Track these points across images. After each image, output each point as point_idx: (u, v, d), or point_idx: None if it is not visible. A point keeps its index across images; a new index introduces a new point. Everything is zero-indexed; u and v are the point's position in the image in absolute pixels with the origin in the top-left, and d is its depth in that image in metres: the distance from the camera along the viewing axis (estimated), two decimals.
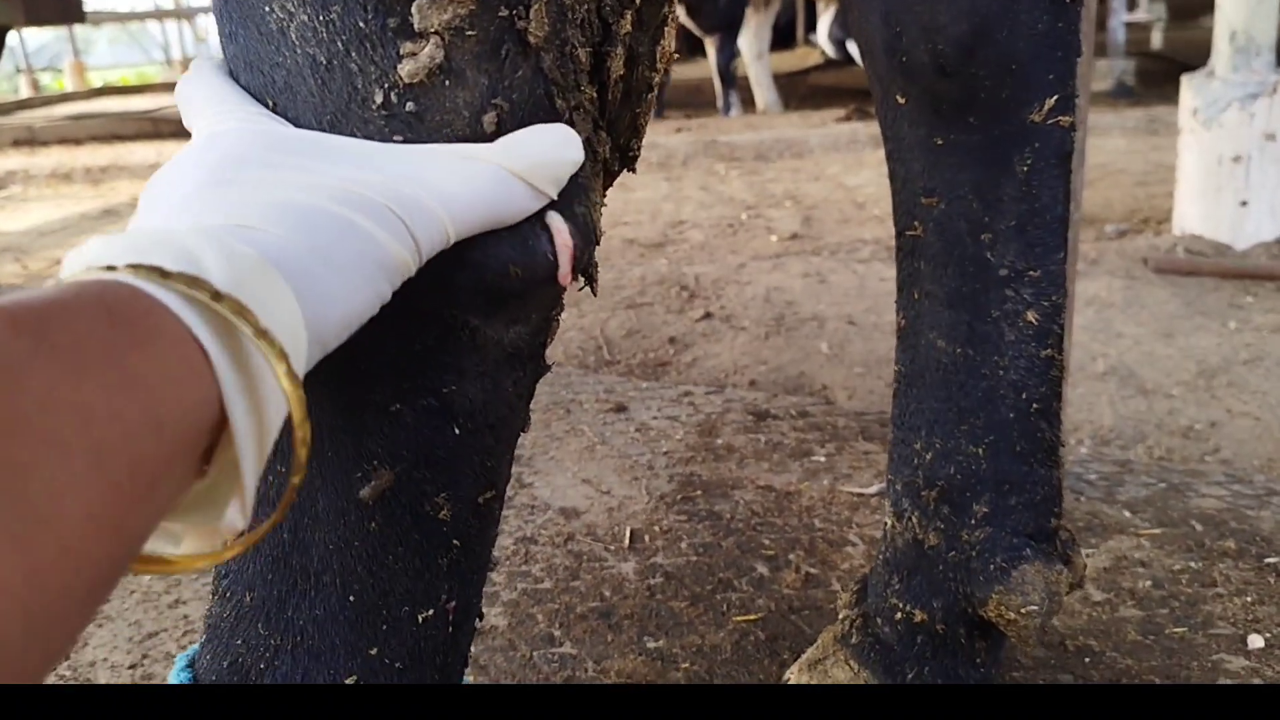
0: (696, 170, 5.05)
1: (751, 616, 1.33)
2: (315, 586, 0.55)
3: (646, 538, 1.52)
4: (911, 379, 1.01)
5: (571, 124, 0.53)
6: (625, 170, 0.63)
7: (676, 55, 0.62)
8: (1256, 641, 1.22)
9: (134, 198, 5.40)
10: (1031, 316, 0.93)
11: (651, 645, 1.28)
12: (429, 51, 0.48)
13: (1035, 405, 0.95)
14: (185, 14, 14.23)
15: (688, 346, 2.55)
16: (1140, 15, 6.31)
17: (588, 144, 0.55)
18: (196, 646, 0.60)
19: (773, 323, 2.65)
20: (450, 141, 0.49)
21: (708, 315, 2.73)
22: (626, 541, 1.51)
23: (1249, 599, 1.31)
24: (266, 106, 0.51)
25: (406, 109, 0.48)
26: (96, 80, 13.91)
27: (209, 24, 14.65)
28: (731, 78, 6.83)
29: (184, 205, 0.41)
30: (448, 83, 0.49)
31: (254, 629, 0.56)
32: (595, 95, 0.55)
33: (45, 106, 10.22)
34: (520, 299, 0.53)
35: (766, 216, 3.90)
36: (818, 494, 1.62)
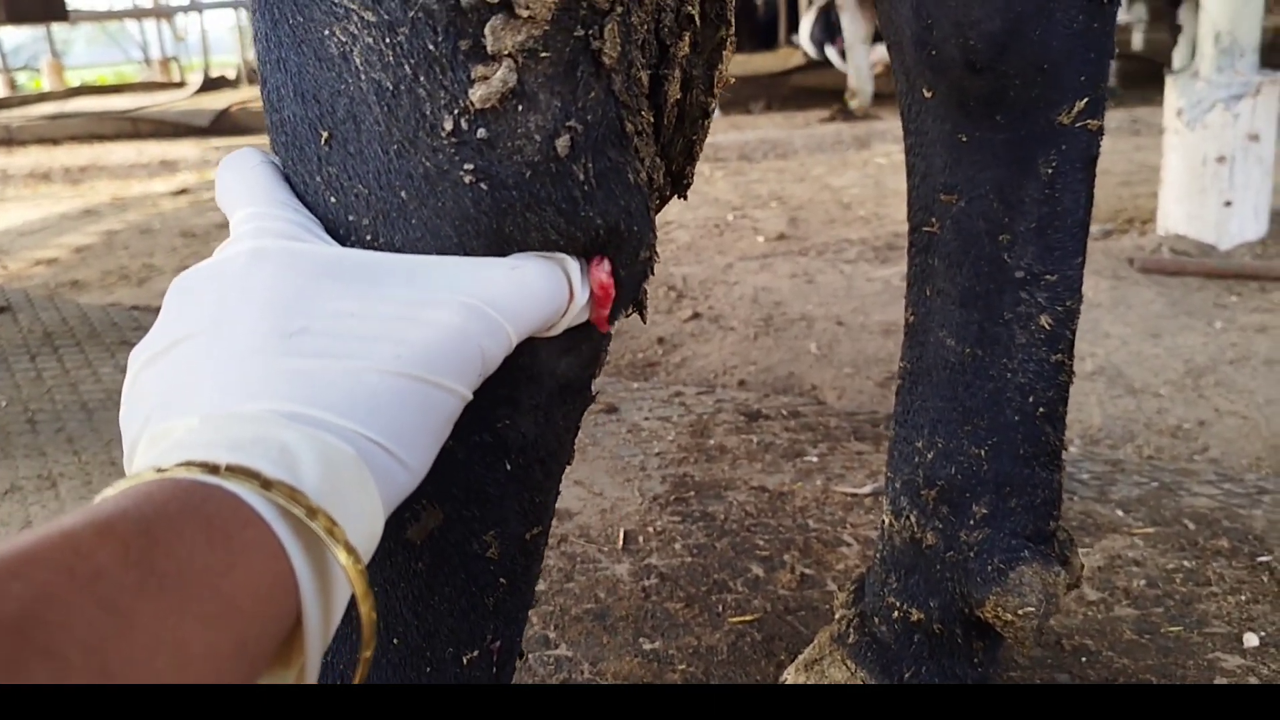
0: None
1: (747, 617, 1.32)
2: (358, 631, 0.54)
3: (640, 539, 1.51)
4: (917, 376, 1.01)
5: (636, 150, 0.52)
6: (677, 196, 0.62)
7: (731, 78, 0.61)
8: (1251, 640, 1.23)
9: (114, 197, 5.36)
10: (1045, 320, 0.92)
11: (648, 647, 1.27)
12: (502, 75, 0.46)
13: (1042, 409, 0.95)
14: (164, 13, 14.12)
15: (676, 347, 2.55)
16: (1121, 16, 6.35)
17: (649, 171, 0.53)
18: None
19: (761, 323, 2.65)
20: (519, 166, 0.47)
21: (696, 315, 2.72)
22: (620, 543, 1.50)
23: (1243, 597, 1.31)
24: (321, 138, 0.48)
25: (478, 135, 0.46)
26: (74, 79, 13.80)
27: (188, 23, 14.56)
28: None
29: (249, 375, 0.40)
30: (520, 106, 0.46)
31: None
32: (652, 119, 0.54)
33: (23, 106, 10.14)
34: (577, 329, 0.52)
35: (753, 217, 3.90)
36: (811, 494, 1.62)
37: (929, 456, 0.99)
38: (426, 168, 0.46)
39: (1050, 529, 0.97)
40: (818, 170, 4.83)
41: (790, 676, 1.11)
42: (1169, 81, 3.09)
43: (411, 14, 0.45)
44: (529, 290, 0.46)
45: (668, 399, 2.01)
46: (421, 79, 0.46)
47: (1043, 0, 0.81)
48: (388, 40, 0.46)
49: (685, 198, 0.61)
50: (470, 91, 0.46)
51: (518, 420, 0.53)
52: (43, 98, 11.10)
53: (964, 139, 0.90)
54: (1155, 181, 3.31)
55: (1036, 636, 0.92)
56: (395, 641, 0.54)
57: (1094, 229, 3.37)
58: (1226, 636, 1.24)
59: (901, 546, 1.03)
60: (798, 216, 3.88)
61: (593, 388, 0.59)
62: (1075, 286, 0.93)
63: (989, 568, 0.95)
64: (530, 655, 1.26)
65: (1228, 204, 3.01)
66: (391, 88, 0.46)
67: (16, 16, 6.81)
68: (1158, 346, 2.41)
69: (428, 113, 0.46)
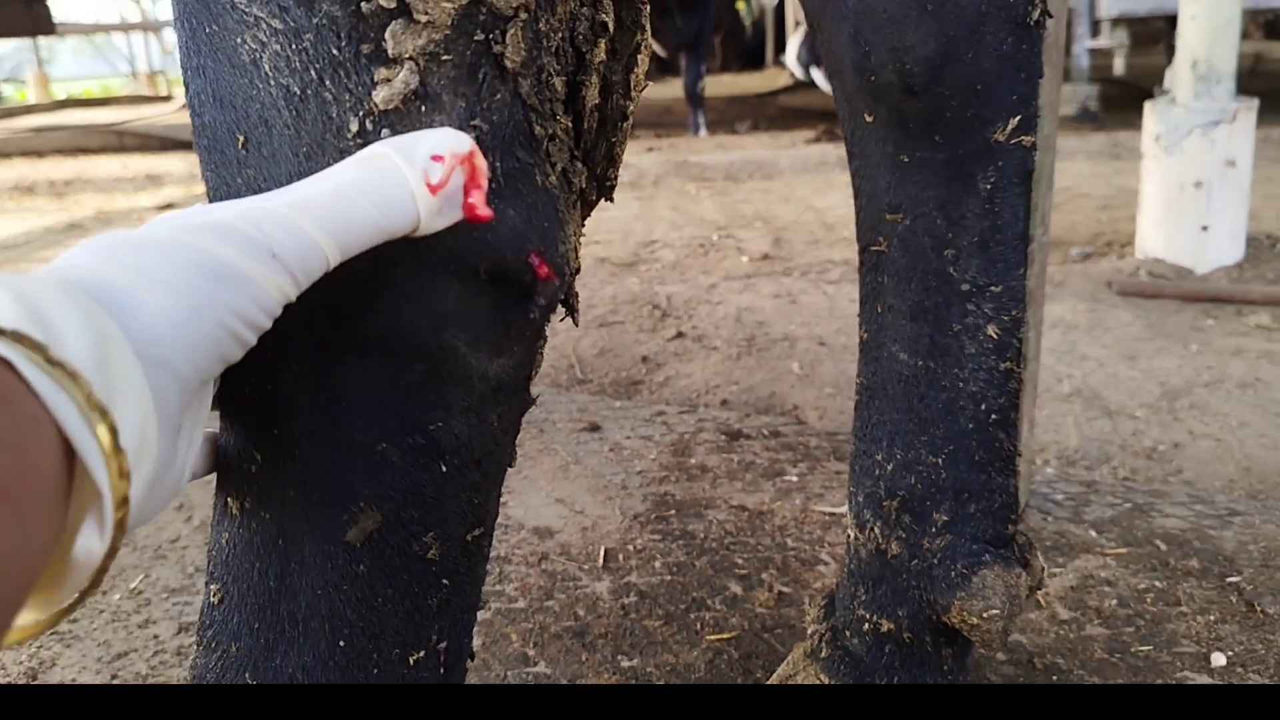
0: (667, 190, 5.07)
1: (725, 635, 1.34)
2: (304, 633, 0.54)
3: (620, 557, 1.53)
4: (873, 391, 1.03)
5: (548, 153, 0.53)
6: (603, 200, 0.64)
7: (646, 83, 0.63)
8: (1219, 659, 1.25)
9: (99, 211, 5.36)
10: (992, 330, 0.96)
11: (626, 664, 1.28)
12: (404, 77, 0.47)
13: (994, 416, 0.97)
14: (151, 26, 14.13)
15: (660, 366, 2.57)
16: (1103, 42, 6.42)
17: (563, 175, 0.55)
18: None
19: (744, 343, 2.67)
20: None
21: (680, 335, 2.74)
22: (600, 561, 1.52)
23: (1212, 617, 1.33)
24: (238, 142, 0.50)
25: (381, 135, 0.48)
26: (60, 92, 13.78)
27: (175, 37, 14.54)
28: (699, 98, 6.88)
29: (48, 268, 0.40)
30: (424, 108, 0.48)
31: (241, 679, 0.55)
32: (570, 125, 0.56)
33: (7, 118, 10.12)
34: (504, 332, 0.53)
35: (737, 237, 3.93)
36: (790, 513, 1.63)
37: (889, 468, 1.01)
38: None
39: (1010, 533, 0.99)
40: (803, 191, 4.86)
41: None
42: (1147, 107, 3.14)
43: (316, 20, 0.47)
44: (347, 198, 0.44)
45: (650, 418, 2.03)
46: (327, 83, 0.48)
47: (973, 24, 0.84)
48: (294, 46, 0.48)
49: (611, 200, 0.63)
50: (374, 94, 0.48)
51: (450, 422, 0.53)
52: (28, 110, 11.07)
53: (905, 159, 0.93)
54: (1134, 206, 3.35)
55: (1006, 650, 0.94)
56: (341, 644, 0.54)
57: (1073, 251, 3.41)
58: (1195, 656, 1.26)
59: (867, 558, 1.04)
60: (782, 237, 3.91)
61: (531, 390, 0.60)
62: (1019, 296, 0.95)
63: (953, 573, 0.97)
64: (508, 673, 1.28)
65: (1205, 228, 3.05)
66: (299, 92, 0.48)
67: (3, 30, 6.79)
68: (1134, 369, 2.44)
69: (334, 115, 0.48)
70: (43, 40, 13.10)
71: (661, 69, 10.61)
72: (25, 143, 7.88)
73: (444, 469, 0.54)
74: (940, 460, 0.99)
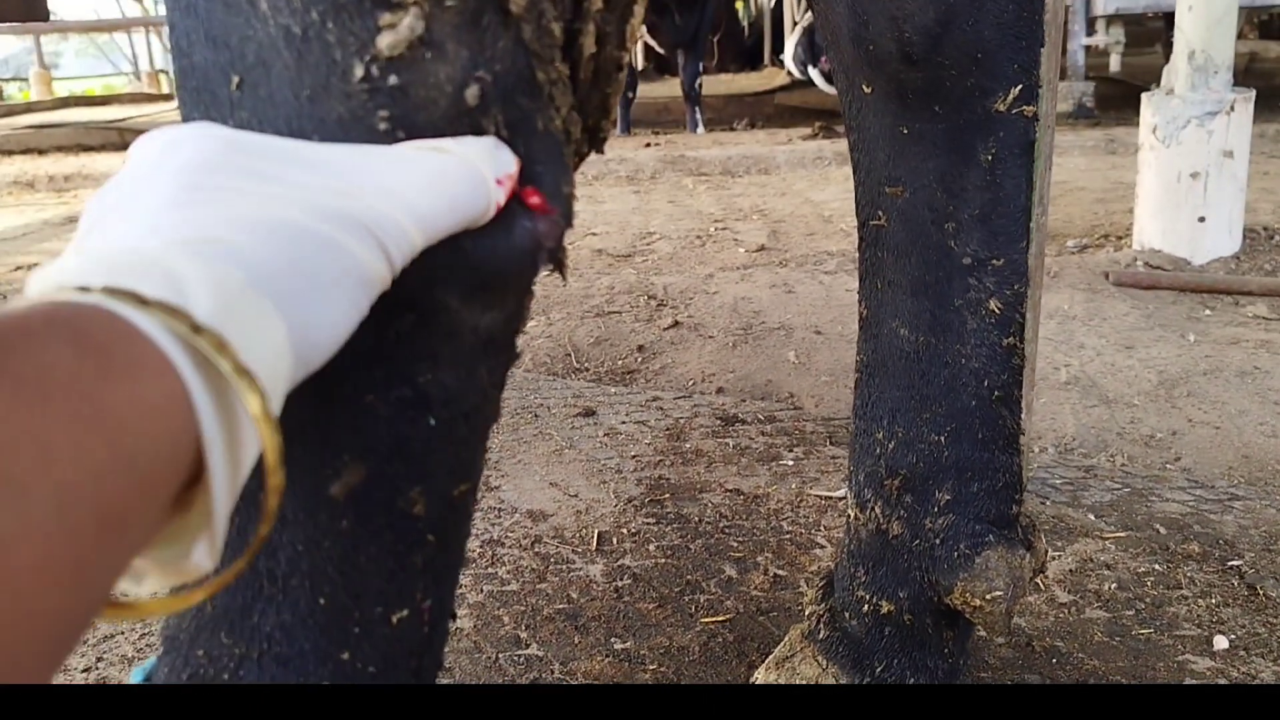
0: (665, 184, 5.06)
1: (719, 618, 1.32)
2: (283, 590, 0.53)
3: (614, 540, 1.51)
4: (874, 368, 1.01)
5: (551, 99, 0.52)
6: (594, 152, 0.63)
7: (640, 36, 0.61)
8: (1221, 643, 1.23)
9: None
10: (994, 305, 0.94)
11: (619, 647, 1.27)
12: (409, 23, 0.46)
13: (997, 393, 0.95)
14: (155, 24, 14.09)
15: (656, 354, 2.55)
16: (1099, 40, 6.41)
17: (565, 122, 0.54)
18: (153, 660, 0.58)
19: (740, 332, 2.65)
20: (432, 116, 0.47)
21: (676, 324, 2.73)
22: (594, 544, 1.50)
23: (1213, 601, 1.32)
24: (232, 83, 0.48)
25: (389, 82, 0.47)
26: (62, 91, 13.74)
27: None
28: (697, 96, 6.86)
29: (152, 221, 0.38)
30: (429, 55, 0.47)
31: (216, 638, 0.54)
32: (568, 74, 0.55)
33: (9, 116, 10.08)
34: (502, 281, 0.52)
35: (734, 229, 3.91)
36: (785, 497, 1.62)
37: (890, 446, 0.99)
38: (340, 114, 0.47)
39: (1013, 513, 0.98)
40: (799, 185, 4.85)
41: (761, 675, 1.10)
42: (1145, 99, 3.13)
43: None
44: (444, 193, 0.45)
45: (645, 404, 2.01)
46: (329, 25, 0.46)
47: None
48: None
49: (601, 151, 0.62)
50: (378, 39, 0.46)
51: (439, 375, 0.52)
52: (29, 108, 11.03)
53: (905, 131, 0.91)
54: (1130, 199, 3.34)
55: (1005, 622, 0.92)
56: (322, 602, 0.53)
57: (1069, 243, 3.40)
58: (1197, 639, 1.25)
59: (868, 539, 1.03)
60: (778, 229, 3.89)
61: (518, 344, 0.59)
62: (1022, 270, 0.94)
63: (955, 554, 0.96)
64: (500, 655, 1.26)
65: (1201, 219, 3.04)
66: (300, 33, 0.47)
67: None
68: (1131, 358, 2.42)
69: (338, 59, 0.47)
70: (47, 42, 13.06)
71: (660, 68, 10.59)
72: (26, 140, 7.84)
73: (431, 422, 0.53)
74: (942, 438, 0.97)
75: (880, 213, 0.97)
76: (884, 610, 1.01)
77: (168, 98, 12.17)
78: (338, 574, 0.53)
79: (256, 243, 0.38)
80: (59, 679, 1.25)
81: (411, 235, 0.43)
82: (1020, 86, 0.87)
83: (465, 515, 0.59)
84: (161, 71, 14.36)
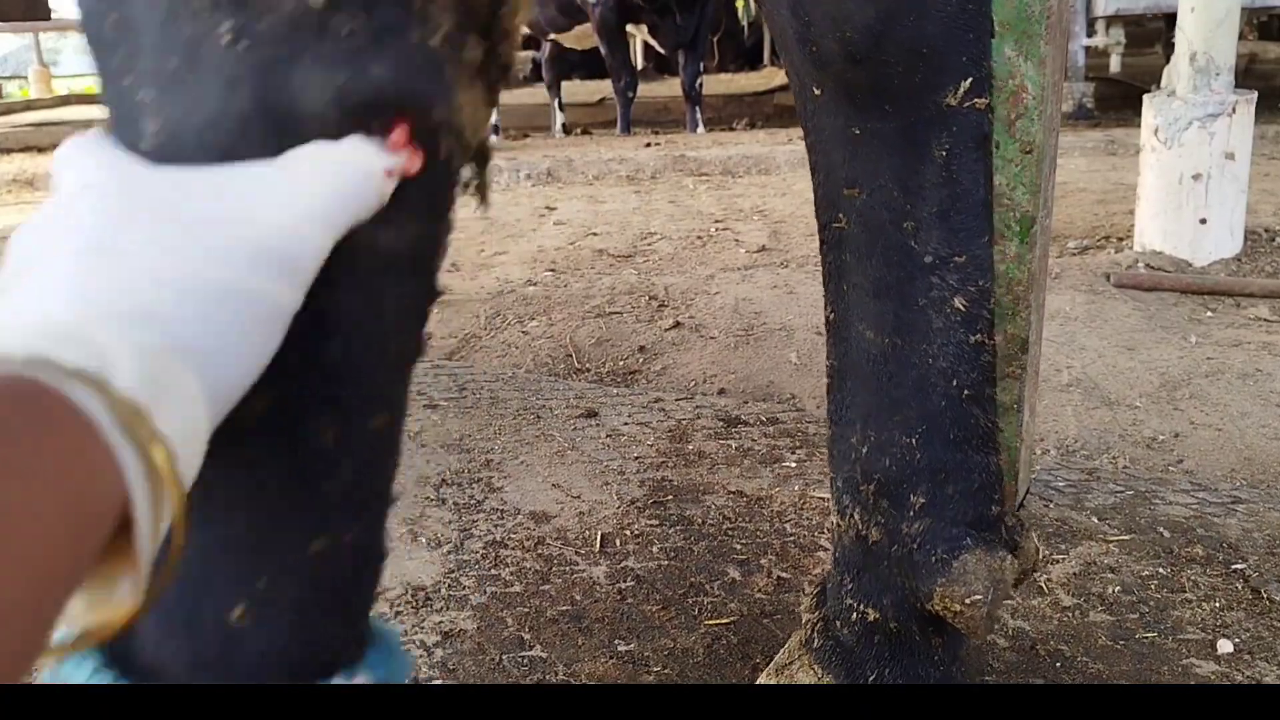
0: (665, 184, 5.06)
1: (723, 620, 1.32)
2: (202, 516, 0.51)
3: (618, 541, 1.51)
4: (844, 372, 1.00)
5: (424, 12, 0.50)
6: (502, 77, 0.60)
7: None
8: (1225, 646, 1.23)
9: None
10: (959, 302, 0.92)
11: (623, 648, 1.27)
12: None
13: (967, 392, 0.94)
14: None
15: (657, 355, 2.55)
16: (1099, 40, 6.42)
17: (449, 39, 0.51)
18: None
19: (741, 332, 2.65)
20: (277, 21, 0.46)
21: (677, 325, 2.73)
22: (597, 545, 1.50)
23: (1217, 604, 1.32)
24: (108, 21, 0.48)
25: None
26: (62, 88, 13.72)
27: None
28: (697, 95, 6.86)
29: (69, 276, 0.40)
30: None
31: None
32: None
33: (9, 114, 10.07)
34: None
35: (734, 230, 3.91)
36: (789, 499, 1.62)
37: (863, 451, 0.98)
38: (189, 34, 0.46)
39: (993, 513, 0.96)
40: (800, 185, 4.84)
41: (762, 681, 1.10)
42: (1146, 100, 3.13)
43: None
44: (343, 194, 0.46)
45: (647, 405, 2.01)
46: None
47: None
48: None
49: (508, 80, 0.60)
50: None
51: (339, 297, 0.51)
52: (29, 106, 11.02)
53: (857, 132, 0.90)
54: (1131, 200, 3.34)
55: (987, 626, 0.91)
56: (234, 530, 0.52)
57: (1070, 245, 3.40)
58: (1201, 643, 1.24)
59: (850, 546, 1.02)
60: (779, 229, 3.89)
61: (438, 279, 0.57)
62: (985, 266, 0.92)
63: (933, 559, 0.94)
64: (504, 656, 1.26)
65: (1203, 221, 3.04)
66: None
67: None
68: (1133, 360, 2.43)
69: None
70: (46, 39, 13.04)
71: (660, 67, 10.59)
72: (26, 137, 7.83)
73: (335, 349, 0.52)
74: (914, 440, 0.95)
75: (840, 215, 0.96)
76: (871, 618, 1.00)
77: None
78: (249, 501, 0.52)
79: (170, 305, 0.40)
80: None
81: (317, 241, 0.45)
82: (970, 80, 0.85)
83: (387, 450, 0.57)
84: None
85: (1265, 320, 2.71)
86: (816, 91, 0.92)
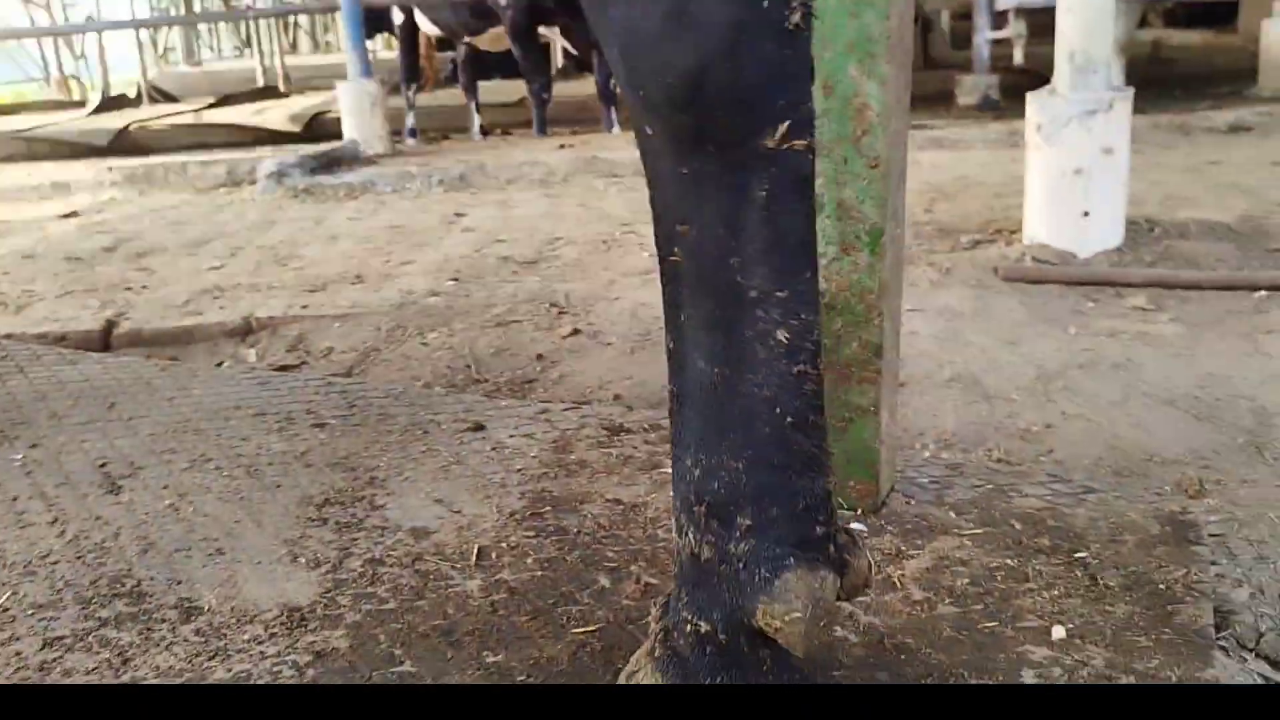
0: (576, 186, 5.09)
1: (589, 628, 1.36)
2: None
3: (494, 554, 1.54)
4: (681, 399, 1.05)
5: None
6: None
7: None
8: (1059, 632, 1.30)
9: (2, 221, 5.23)
10: (782, 335, 0.98)
11: (490, 660, 1.30)
12: None
13: (790, 419, 0.99)
14: (64, 32, 13.78)
15: (555, 363, 2.59)
16: (1003, 33, 6.58)
17: None
18: None
19: (639, 338, 2.70)
20: None
21: (576, 331, 2.77)
22: (474, 559, 1.53)
23: (1056, 592, 1.39)
24: None
25: None
26: None
27: (89, 43, 14.19)
28: (612, 95, 6.90)
29: None
30: None
31: None
32: None
33: None
34: None
35: (640, 233, 3.96)
36: (664, 505, 1.66)
37: (696, 474, 1.04)
38: None
39: (817, 534, 1.02)
40: None
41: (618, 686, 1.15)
42: (1030, 98, 3.23)
43: None
44: None
45: (534, 416, 2.04)
46: None
47: (729, 35, 0.85)
48: None
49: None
50: None
51: None
52: None
53: (685, 171, 0.95)
54: (1026, 192, 3.45)
55: (805, 643, 0.97)
56: None
57: (963, 239, 3.50)
58: (1037, 630, 1.31)
59: (687, 562, 1.07)
60: None
61: None
62: (809, 300, 0.97)
63: (756, 577, 1.00)
64: (374, 673, 1.29)
65: (1086, 214, 3.15)
66: None
67: None
68: (1014, 354, 2.51)
69: None
70: None
71: (580, 66, 10.60)
72: None
73: None
74: (741, 465, 1.01)
75: (675, 250, 1.00)
76: (703, 630, 1.05)
77: (79, 104, 11.92)
78: None
79: None
80: None
81: None
82: (789, 123, 0.90)
83: None
84: (72, 77, 14.03)
85: (1143, 309, 2.82)
86: (649, 131, 0.96)
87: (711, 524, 1.02)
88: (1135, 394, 2.26)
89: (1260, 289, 2.85)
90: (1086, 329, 2.67)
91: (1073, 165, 3.12)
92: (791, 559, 0.99)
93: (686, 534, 1.05)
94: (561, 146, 6.02)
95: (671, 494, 1.10)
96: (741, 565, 1.00)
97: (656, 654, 1.09)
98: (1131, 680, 1.21)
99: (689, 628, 1.05)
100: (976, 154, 5.09)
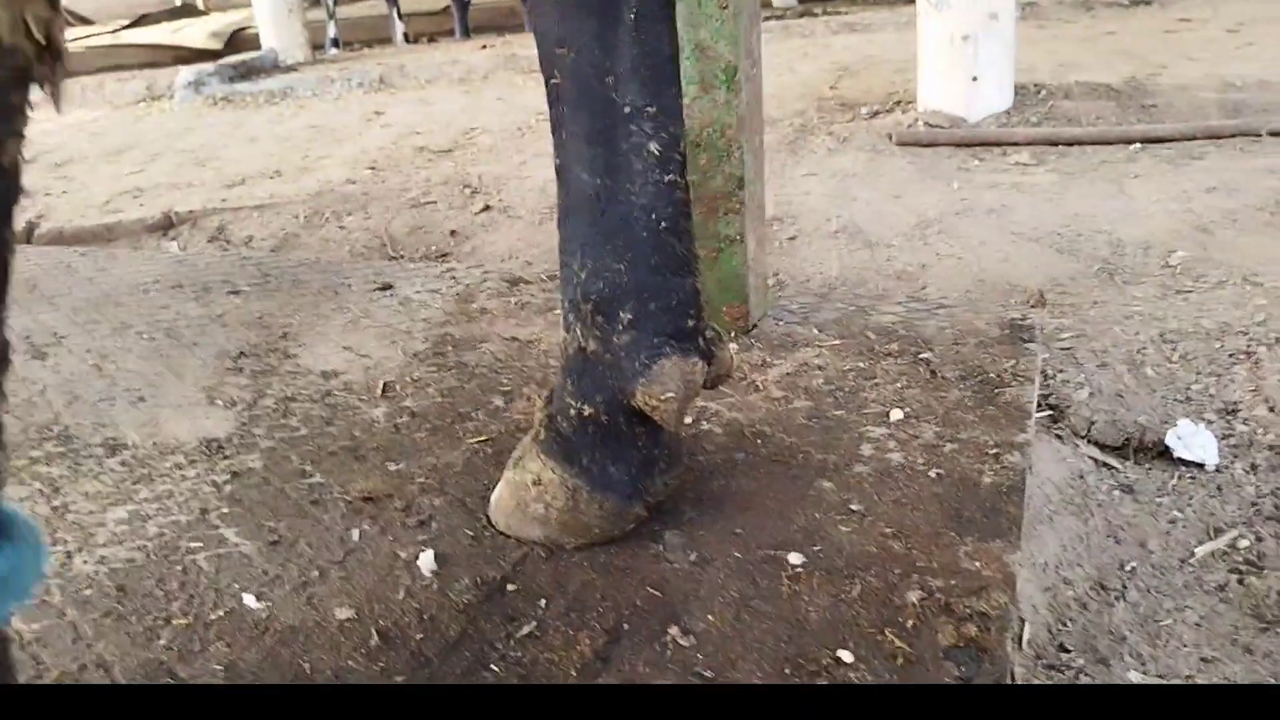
0: (496, 83, 5.13)
1: (483, 438, 1.51)
2: None
3: (398, 387, 1.68)
4: (568, 210, 1.19)
5: None
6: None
7: None
8: (897, 415, 1.47)
9: None
10: (654, 147, 1.12)
11: (392, 468, 1.44)
12: None
13: (664, 224, 1.14)
14: None
15: (468, 238, 2.70)
16: None
17: None
18: None
19: (547, 210, 2.81)
20: None
21: (487, 208, 2.88)
22: (380, 392, 1.67)
23: (899, 385, 1.55)
24: None
25: None
26: None
27: None
28: None
29: None
30: None
31: None
32: None
33: None
34: None
35: None
36: (556, 339, 1.80)
37: (583, 276, 1.18)
38: None
39: (689, 326, 1.17)
40: None
41: (504, 474, 1.29)
42: None
43: None
44: None
45: (440, 274, 2.17)
46: None
47: None
48: None
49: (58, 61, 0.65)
50: None
51: None
52: None
53: None
54: None
55: (678, 419, 1.12)
56: None
57: (862, 110, 3.63)
58: (878, 414, 1.48)
59: (573, 355, 1.22)
60: None
61: (17, 183, 0.63)
62: (675, 114, 1.12)
63: (636, 364, 1.15)
64: (286, 485, 1.42)
65: (975, 79, 3.29)
66: None
67: None
68: (897, 205, 2.67)
69: None
70: None
71: None
72: None
73: None
74: (622, 266, 1.16)
75: (556, 72, 1.13)
76: (586, 413, 1.20)
77: None
78: None
79: None
80: None
81: None
82: None
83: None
84: None
85: (1024, 164, 2.98)
86: None
87: (597, 319, 1.17)
88: (1005, 234, 2.43)
89: (1134, 141, 3.02)
90: (970, 183, 2.83)
91: (961, 32, 3.25)
92: (667, 348, 1.14)
93: (574, 330, 1.20)
94: (483, 47, 6.03)
95: (560, 296, 1.24)
96: (623, 354, 1.15)
97: (541, 438, 1.24)
98: (955, 447, 1.38)
99: (573, 412, 1.20)
100: (886, 35, 5.20)
